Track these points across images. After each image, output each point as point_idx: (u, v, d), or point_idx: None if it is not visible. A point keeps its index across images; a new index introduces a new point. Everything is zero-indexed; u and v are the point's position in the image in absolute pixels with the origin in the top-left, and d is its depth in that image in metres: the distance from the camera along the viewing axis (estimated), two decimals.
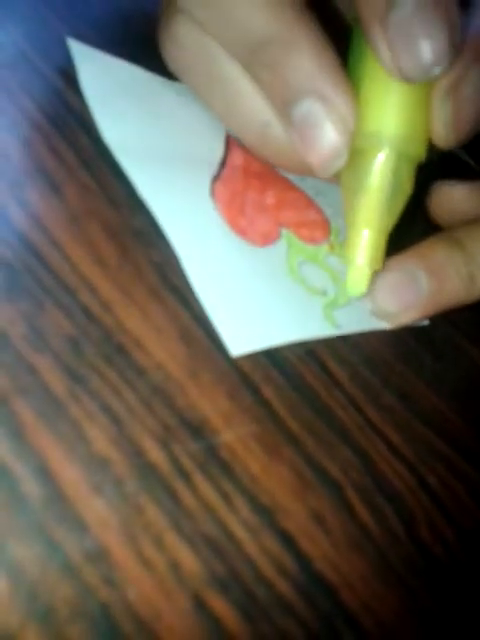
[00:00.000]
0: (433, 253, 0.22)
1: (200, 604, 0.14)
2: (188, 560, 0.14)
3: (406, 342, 0.23)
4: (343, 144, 0.19)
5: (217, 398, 0.17)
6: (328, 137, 0.19)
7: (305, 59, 0.18)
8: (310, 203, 0.24)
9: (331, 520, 0.17)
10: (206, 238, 0.20)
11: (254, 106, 0.20)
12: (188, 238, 0.20)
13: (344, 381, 0.20)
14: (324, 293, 0.22)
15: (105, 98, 0.21)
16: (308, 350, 0.20)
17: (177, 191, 0.21)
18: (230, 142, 0.24)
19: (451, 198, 0.25)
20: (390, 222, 0.20)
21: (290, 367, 0.19)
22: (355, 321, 0.22)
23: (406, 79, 0.18)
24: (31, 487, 0.13)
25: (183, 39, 0.21)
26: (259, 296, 0.20)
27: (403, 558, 0.18)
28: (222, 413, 0.17)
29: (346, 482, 0.18)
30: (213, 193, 0.21)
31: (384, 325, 0.22)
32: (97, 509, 0.14)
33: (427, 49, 0.17)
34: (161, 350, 0.17)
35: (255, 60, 0.19)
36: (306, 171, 0.21)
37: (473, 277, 0.22)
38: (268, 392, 0.18)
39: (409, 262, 0.22)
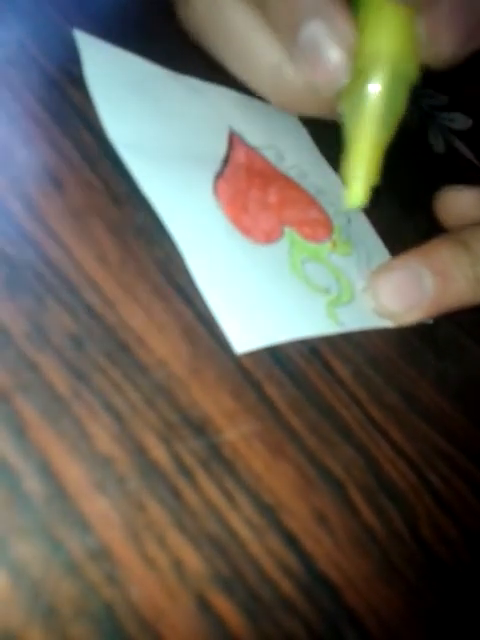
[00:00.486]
0: (438, 253, 0.22)
1: (203, 603, 0.14)
2: (191, 559, 0.14)
3: (410, 341, 0.23)
4: (345, 60, 0.21)
5: (220, 396, 0.17)
6: (332, 55, 0.21)
7: None
8: (312, 201, 0.24)
9: (334, 519, 0.17)
10: (210, 236, 0.20)
11: (267, 51, 0.22)
12: (192, 236, 0.19)
13: (347, 379, 0.20)
14: (327, 291, 0.22)
15: (109, 91, 0.21)
16: (311, 348, 0.20)
17: (180, 188, 0.20)
18: (233, 140, 0.24)
19: (459, 203, 0.26)
20: (386, 136, 0.22)
21: (293, 365, 0.19)
22: (358, 319, 0.22)
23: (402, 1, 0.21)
24: (33, 485, 0.13)
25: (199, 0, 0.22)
26: (263, 294, 0.20)
27: (406, 558, 0.17)
28: (225, 411, 0.17)
29: (349, 481, 0.18)
30: (216, 191, 0.21)
31: (388, 323, 0.22)
32: (100, 507, 0.13)
33: None
34: (164, 348, 0.17)
35: None
36: (318, 109, 0.23)
37: (479, 279, 0.22)
38: (271, 390, 0.18)
39: (413, 261, 0.22)
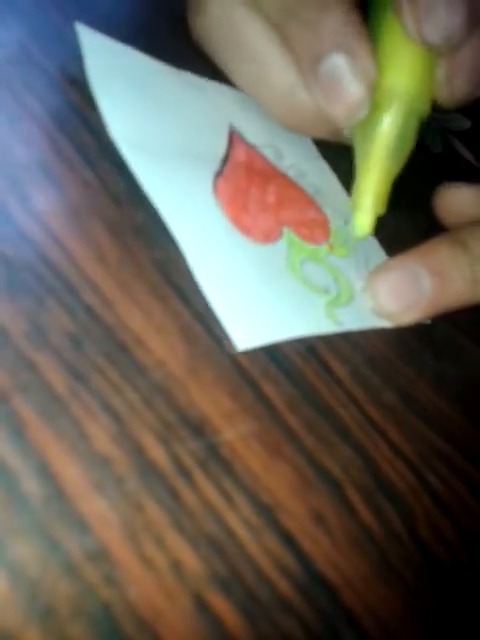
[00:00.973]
0: (436, 253, 0.22)
1: (201, 604, 0.14)
2: (189, 559, 0.14)
3: (408, 341, 0.23)
4: (365, 95, 0.21)
5: (218, 396, 0.17)
6: (353, 89, 0.21)
7: (335, 17, 0.21)
8: (310, 202, 0.24)
9: (332, 519, 0.17)
10: (210, 235, 0.20)
11: (281, 73, 0.22)
12: (192, 234, 0.20)
13: (345, 379, 0.20)
14: (326, 291, 0.22)
15: (111, 87, 0.21)
16: (309, 347, 0.20)
17: (180, 186, 0.21)
18: (233, 138, 0.24)
19: (457, 200, 0.26)
20: (395, 169, 0.22)
21: (291, 365, 0.19)
22: (357, 319, 0.22)
23: (427, 45, 0.21)
24: (31, 485, 0.13)
25: (215, 12, 0.23)
26: (262, 292, 0.20)
27: (404, 558, 0.18)
28: (223, 411, 0.17)
29: (347, 481, 0.18)
30: (216, 190, 0.21)
31: (386, 324, 0.22)
32: (98, 508, 0.14)
33: (449, 20, 0.20)
34: (162, 348, 0.17)
35: (291, 19, 0.21)
36: (327, 133, 0.23)
37: (477, 279, 0.22)
38: (269, 390, 0.18)
39: (411, 261, 0.22)
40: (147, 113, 0.22)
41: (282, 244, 0.22)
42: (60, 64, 0.21)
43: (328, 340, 0.21)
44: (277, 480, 0.17)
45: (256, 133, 0.25)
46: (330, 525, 0.17)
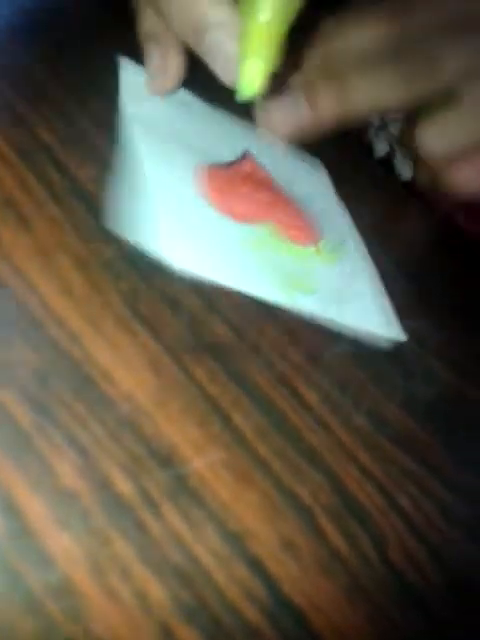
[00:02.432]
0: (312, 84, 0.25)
1: (167, 634, 0.14)
2: (155, 590, 0.14)
3: (378, 363, 0.23)
4: None
5: (186, 426, 0.17)
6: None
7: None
8: (305, 214, 0.25)
9: (301, 545, 0.17)
10: (181, 201, 0.21)
11: None
12: (162, 183, 0.21)
13: (315, 405, 0.20)
14: (290, 275, 0.22)
15: (139, 107, 0.23)
16: (279, 375, 0.20)
17: (169, 161, 0.22)
18: (247, 155, 0.25)
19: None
20: (282, 18, 0.21)
21: (260, 392, 0.19)
22: (315, 307, 0.22)
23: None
24: None
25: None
26: (217, 237, 0.21)
27: (375, 581, 0.18)
28: (191, 441, 0.17)
29: (316, 506, 0.18)
30: (201, 173, 0.23)
31: (342, 318, 0.23)
32: (63, 543, 0.14)
33: None
34: (130, 381, 0.17)
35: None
36: None
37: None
38: (238, 418, 0.18)
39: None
40: (166, 116, 0.24)
41: (259, 229, 0.23)
42: (29, 101, 0.22)
43: (297, 366, 0.21)
44: (246, 508, 0.17)
45: (275, 169, 0.26)
46: (299, 550, 0.17)
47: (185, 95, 0.26)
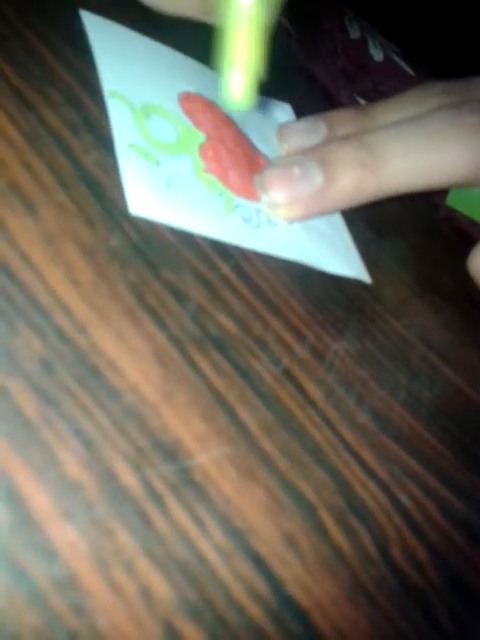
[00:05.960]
0: (327, 147, 0.23)
1: (171, 630, 0.14)
2: (159, 586, 0.14)
3: (382, 362, 0.23)
4: None
5: (191, 420, 0.17)
6: None
7: None
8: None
9: (304, 542, 0.17)
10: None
11: None
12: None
13: (319, 401, 0.20)
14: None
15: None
16: (284, 370, 0.20)
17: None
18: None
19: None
20: (266, 19, 0.20)
21: (266, 387, 0.19)
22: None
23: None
24: None
25: None
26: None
27: (376, 580, 0.18)
28: (196, 435, 0.17)
29: (320, 503, 0.18)
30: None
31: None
32: (67, 534, 0.13)
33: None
34: (136, 372, 0.17)
35: None
36: (195, 12, 0.21)
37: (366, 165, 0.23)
38: (243, 413, 0.18)
39: (301, 156, 0.24)
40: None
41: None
42: (36, 86, 0.21)
43: (303, 362, 0.21)
44: (250, 504, 0.17)
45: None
46: (302, 548, 0.17)
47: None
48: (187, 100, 0.25)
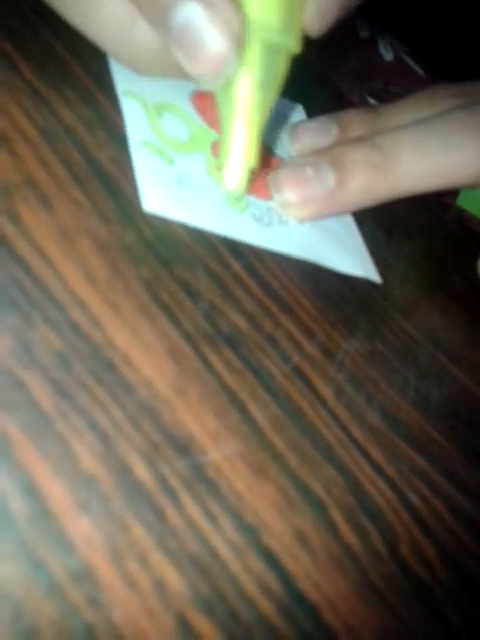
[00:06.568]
0: (340, 148, 0.23)
1: (184, 624, 0.14)
2: (173, 579, 0.14)
3: (391, 362, 0.23)
4: (230, 49, 0.17)
5: (204, 416, 0.17)
6: (213, 43, 0.17)
7: None
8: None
9: (314, 539, 0.17)
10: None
11: (116, 2, 0.19)
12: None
13: (329, 399, 0.20)
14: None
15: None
16: (294, 368, 0.20)
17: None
18: None
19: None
20: (263, 116, 0.20)
21: (276, 384, 0.19)
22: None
23: None
24: (16, 504, 0.13)
25: None
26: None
27: (385, 577, 0.18)
28: (209, 432, 0.17)
29: (330, 501, 0.18)
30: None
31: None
32: (83, 527, 0.14)
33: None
34: (149, 367, 0.17)
35: None
36: (177, 73, 0.20)
37: (372, 178, 0.23)
38: (254, 410, 0.18)
39: (315, 156, 0.24)
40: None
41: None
42: (52, 83, 0.21)
43: (313, 361, 0.21)
44: (261, 500, 0.17)
45: None
46: (313, 544, 0.17)
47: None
48: (199, 99, 0.25)
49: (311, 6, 0.19)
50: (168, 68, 0.21)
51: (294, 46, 0.20)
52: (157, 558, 0.14)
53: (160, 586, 0.14)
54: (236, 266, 0.22)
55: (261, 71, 0.19)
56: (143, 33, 0.19)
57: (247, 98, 0.19)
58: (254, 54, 0.19)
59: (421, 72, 0.37)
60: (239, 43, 0.18)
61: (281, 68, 0.20)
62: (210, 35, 0.17)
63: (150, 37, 0.19)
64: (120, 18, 0.19)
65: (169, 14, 0.17)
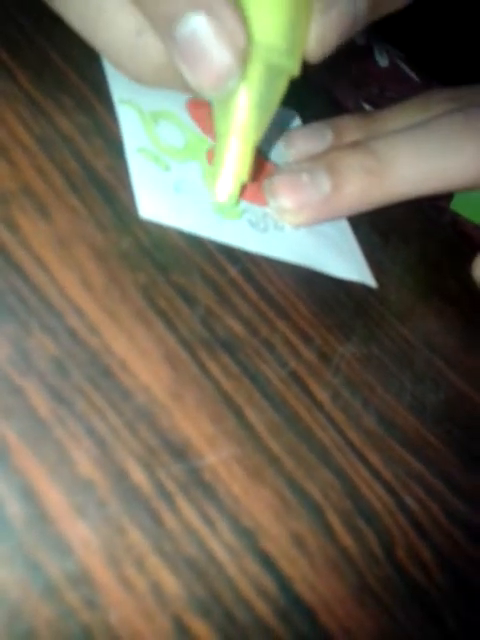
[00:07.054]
0: (336, 153, 0.24)
1: (180, 626, 0.14)
2: (169, 582, 0.14)
3: (387, 366, 0.23)
4: (234, 62, 0.18)
5: (201, 421, 0.17)
6: (217, 55, 0.18)
7: None
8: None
9: (311, 542, 0.17)
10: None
11: (122, 14, 0.19)
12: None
13: (326, 403, 0.21)
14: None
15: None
16: (291, 372, 0.20)
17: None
18: None
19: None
20: (258, 134, 0.21)
21: (273, 389, 0.20)
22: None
23: None
24: (14, 508, 0.13)
25: None
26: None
27: (381, 580, 0.18)
28: (205, 436, 0.17)
29: (326, 504, 0.18)
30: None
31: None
32: (80, 531, 0.14)
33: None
34: (146, 373, 0.17)
35: None
36: (181, 86, 0.20)
37: (371, 171, 0.23)
38: (251, 415, 0.18)
39: (310, 162, 0.24)
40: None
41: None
42: (49, 92, 0.21)
43: (310, 365, 0.21)
44: (258, 504, 0.17)
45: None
46: (309, 547, 0.17)
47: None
48: (195, 106, 0.26)
49: (312, 32, 0.20)
50: (171, 81, 0.21)
51: (295, 69, 0.20)
52: (154, 561, 0.14)
53: (157, 589, 0.14)
54: (232, 271, 0.22)
55: (260, 90, 0.20)
56: (148, 46, 0.20)
57: (244, 115, 0.20)
58: (255, 73, 0.19)
59: (416, 78, 0.37)
60: (243, 58, 0.18)
61: (280, 89, 0.20)
62: (215, 48, 0.17)
63: (155, 50, 0.20)
64: (127, 31, 0.19)
65: (175, 25, 0.18)
